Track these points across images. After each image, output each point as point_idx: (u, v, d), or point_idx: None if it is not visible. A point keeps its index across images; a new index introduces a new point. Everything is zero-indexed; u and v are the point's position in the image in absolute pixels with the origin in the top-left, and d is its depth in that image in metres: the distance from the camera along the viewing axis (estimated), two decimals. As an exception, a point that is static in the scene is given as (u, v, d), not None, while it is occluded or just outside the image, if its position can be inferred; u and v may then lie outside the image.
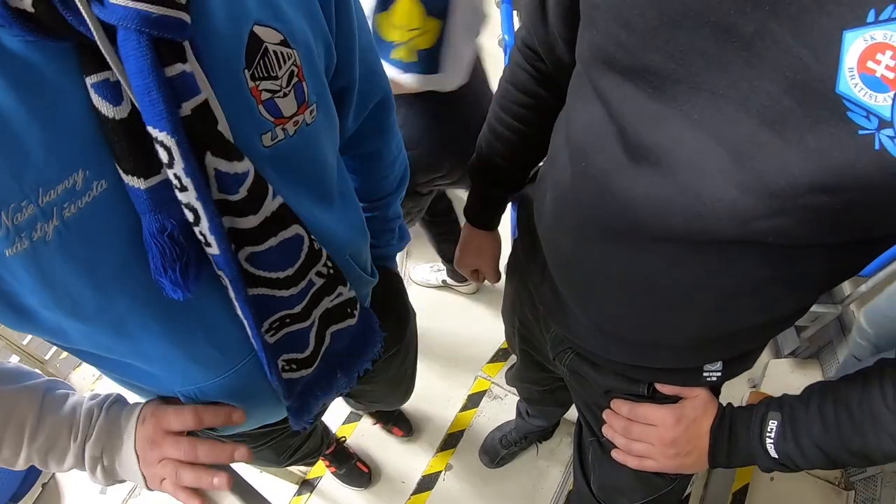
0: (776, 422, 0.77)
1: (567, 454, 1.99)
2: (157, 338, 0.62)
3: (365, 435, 2.10)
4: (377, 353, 0.92)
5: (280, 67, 0.57)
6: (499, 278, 1.21)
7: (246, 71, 0.54)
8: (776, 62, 0.47)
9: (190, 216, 0.53)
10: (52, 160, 0.47)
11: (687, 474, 0.95)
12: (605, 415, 0.96)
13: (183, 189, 0.51)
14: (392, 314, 1.12)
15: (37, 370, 0.77)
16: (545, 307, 0.95)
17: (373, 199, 1.02)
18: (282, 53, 0.56)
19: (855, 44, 0.43)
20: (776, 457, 0.77)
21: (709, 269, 0.64)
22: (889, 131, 0.43)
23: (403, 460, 2.05)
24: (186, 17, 0.46)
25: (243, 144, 0.55)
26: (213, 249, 0.56)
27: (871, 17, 0.42)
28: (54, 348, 2.24)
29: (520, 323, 1.17)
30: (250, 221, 0.58)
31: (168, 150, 0.48)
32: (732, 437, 0.83)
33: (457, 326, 2.35)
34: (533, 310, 1.04)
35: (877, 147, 0.44)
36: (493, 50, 3.62)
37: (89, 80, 0.46)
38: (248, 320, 0.64)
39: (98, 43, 0.43)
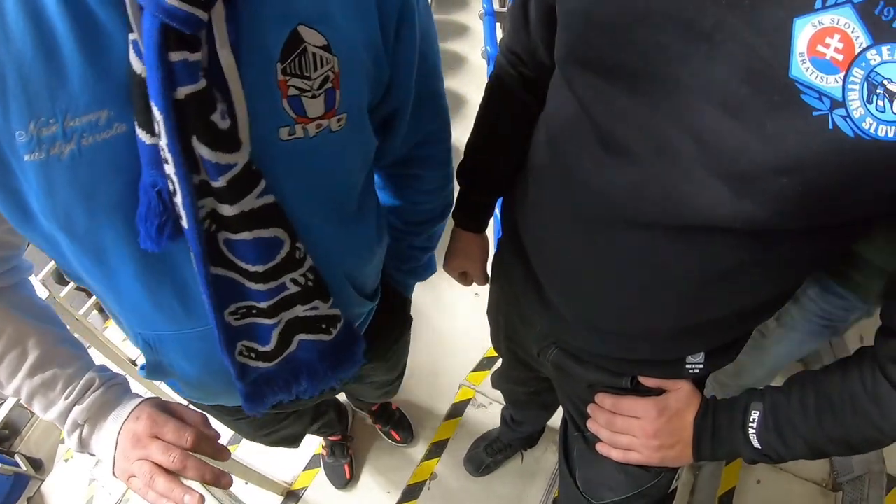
0: (758, 412, 0.78)
1: (552, 462, 1.98)
2: (130, 276, 0.66)
3: (357, 438, 2.10)
4: (350, 377, 0.91)
5: (315, 70, 0.59)
6: (487, 280, 1.22)
7: (279, 64, 0.57)
8: (733, 53, 0.50)
9: (171, 186, 0.57)
10: (86, 92, 0.52)
11: (672, 468, 0.95)
12: (590, 408, 0.97)
13: (166, 161, 0.55)
14: (386, 341, 1.13)
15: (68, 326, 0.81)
16: (529, 303, 0.96)
17: (406, 222, 1.03)
18: (321, 57, 0.59)
19: (805, 30, 0.45)
20: (759, 447, 0.78)
21: (684, 255, 0.65)
22: (841, 111, 0.46)
23: (388, 469, 2.04)
24: (201, 14, 0.49)
25: (259, 132, 0.59)
26: (184, 223, 0.59)
27: (818, 3, 0.45)
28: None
29: (504, 321, 1.18)
30: (226, 210, 0.61)
31: (158, 123, 0.52)
32: (716, 428, 0.83)
33: (440, 336, 2.35)
34: (517, 307, 1.05)
35: (830, 127, 0.46)
36: (477, 61, 3.66)
37: (131, 37, 0.50)
38: (206, 295, 0.66)
39: (129, 14, 0.49)
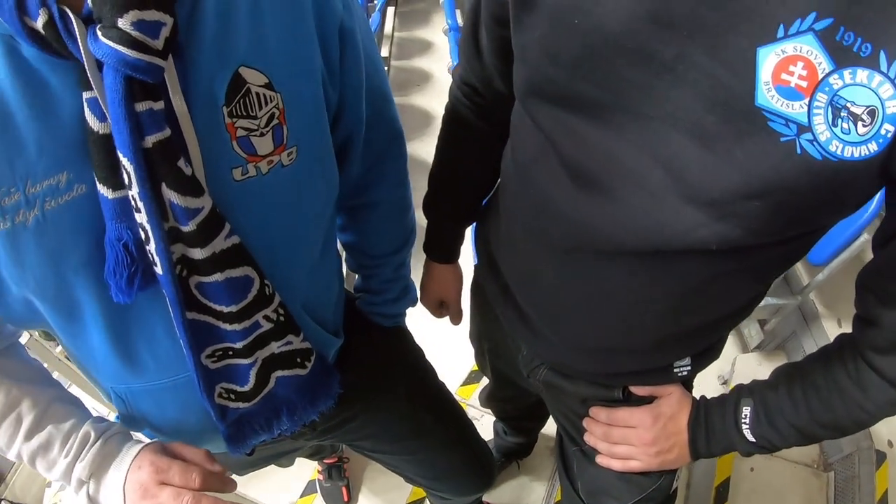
0: (749, 408, 0.80)
1: (549, 468, 2.00)
2: (101, 330, 0.67)
3: (352, 459, 2.07)
4: (328, 408, 0.91)
5: (260, 108, 0.61)
6: (461, 317, 1.24)
7: (224, 108, 0.58)
8: (697, 82, 0.51)
9: (143, 235, 0.58)
10: (43, 157, 0.53)
11: (671, 470, 0.97)
12: (585, 423, 0.98)
13: (138, 210, 0.56)
14: (370, 377, 1.07)
15: (57, 379, 0.80)
16: (512, 328, 0.97)
17: (371, 256, 1.01)
18: (264, 95, 0.60)
19: (769, 59, 0.47)
20: (754, 440, 0.80)
21: (662, 276, 0.67)
22: (808, 135, 0.48)
23: (386, 489, 2.02)
24: (161, 62, 0.51)
25: (214, 175, 0.60)
26: (158, 269, 0.60)
27: (780, 32, 0.46)
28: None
29: (489, 345, 1.19)
30: (197, 254, 0.62)
31: (129, 173, 0.54)
32: (709, 427, 0.85)
33: (427, 351, 2.33)
34: (501, 330, 1.06)
35: (799, 151, 0.48)
36: (443, 76, 3.67)
37: (85, 95, 0.52)
38: (184, 341, 0.68)
39: (88, 72, 0.50)
